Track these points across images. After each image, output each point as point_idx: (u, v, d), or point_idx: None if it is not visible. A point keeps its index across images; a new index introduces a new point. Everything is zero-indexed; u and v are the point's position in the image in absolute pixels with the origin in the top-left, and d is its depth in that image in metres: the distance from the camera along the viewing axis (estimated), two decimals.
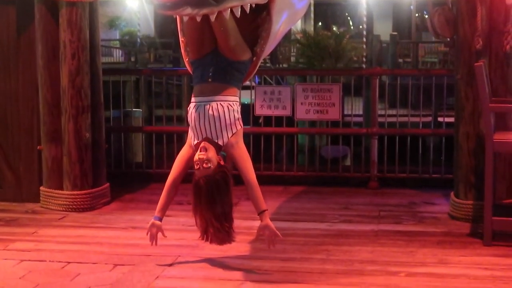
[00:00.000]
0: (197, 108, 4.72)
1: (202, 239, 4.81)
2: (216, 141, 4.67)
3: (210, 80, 4.72)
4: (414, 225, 6.19)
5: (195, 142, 4.75)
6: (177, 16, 4.61)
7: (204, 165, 4.56)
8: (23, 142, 7.00)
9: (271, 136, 8.09)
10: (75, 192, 6.67)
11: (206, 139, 4.67)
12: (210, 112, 4.65)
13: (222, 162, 4.67)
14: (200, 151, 4.60)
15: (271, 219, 6.33)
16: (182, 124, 8.77)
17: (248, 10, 4.33)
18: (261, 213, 4.83)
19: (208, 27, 4.64)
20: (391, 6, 31.39)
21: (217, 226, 4.64)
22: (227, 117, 4.67)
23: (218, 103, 4.67)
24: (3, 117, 7.02)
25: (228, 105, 4.69)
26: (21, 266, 5.06)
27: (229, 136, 4.68)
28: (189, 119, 4.80)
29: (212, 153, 4.60)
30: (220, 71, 4.71)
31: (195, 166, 4.62)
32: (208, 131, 4.68)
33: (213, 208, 4.63)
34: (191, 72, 4.97)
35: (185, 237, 5.77)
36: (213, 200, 4.61)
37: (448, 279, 4.74)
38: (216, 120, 4.65)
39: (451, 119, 6.81)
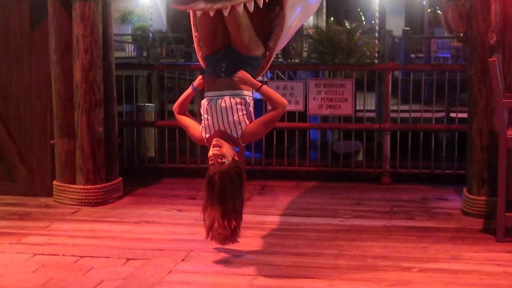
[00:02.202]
0: (209, 102, 4.72)
1: (207, 237, 4.78)
2: (230, 133, 4.66)
3: (222, 75, 4.71)
4: (427, 221, 6.17)
5: (207, 136, 4.74)
6: (190, 11, 4.61)
7: (219, 160, 4.55)
8: (36, 136, 7.02)
9: (283, 131, 8.09)
10: (88, 187, 6.69)
11: (219, 133, 4.66)
12: (223, 105, 4.64)
13: (236, 157, 4.66)
14: (214, 147, 4.58)
15: (283, 215, 6.37)
16: (195, 119, 8.78)
17: (261, 4, 4.32)
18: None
19: (221, 22, 4.63)
20: (403, 1, 31.29)
21: (223, 223, 4.60)
22: (240, 110, 4.65)
23: (231, 97, 4.67)
24: (16, 111, 7.05)
25: (241, 99, 4.67)
26: (34, 260, 5.08)
27: (243, 127, 4.66)
28: (201, 113, 4.79)
29: (226, 148, 4.58)
30: (233, 66, 4.70)
31: (210, 161, 4.61)
32: (221, 124, 4.67)
33: (223, 204, 4.60)
34: (204, 67, 4.97)
35: (198, 231, 5.76)
36: (225, 195, 4.60)
37: (461, 275, 4.73)
38: (229, 113, 4.64)
39: (464, 115, 6.79)
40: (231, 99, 4.66)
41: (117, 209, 6.64)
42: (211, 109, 4.68)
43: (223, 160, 4.55)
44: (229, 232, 4.66)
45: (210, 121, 4.71)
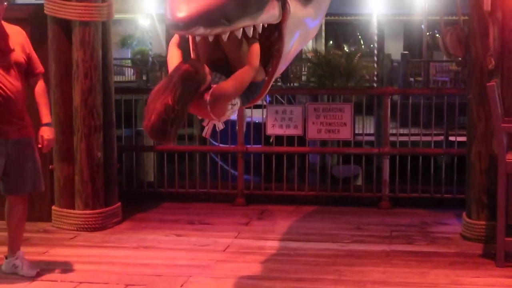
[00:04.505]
0: None
1: (147, 121, 4.13)
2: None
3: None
4: (426, 246, 6.16)
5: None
6: (190, 36, 4.62)
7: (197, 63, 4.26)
8: None
9: (282, 156, 8.09)
10: (86, 212, 6.67)
11: None
12: None
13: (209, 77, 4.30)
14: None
15: (282, 240, 6.35)
16: (194, 143, 8.78)
17: (260, 29, 4.33)
18: None
19: (220, 47, 4.63)
20: (402, 25, 31.45)
21: (172, 106, 4.08)
22: None
23: None
24: None
25: None
26: (33, 286, 5.06)
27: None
28: None
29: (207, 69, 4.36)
30: None
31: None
32: None
33: (182, 89, 4.13)
34: None
35: (197, 257, 5.77)
36: (188, 81, 4.15)
37: None
38: None
39: (463, 138, 6.79)
40: None
41: (116, 234, 6.62)
42: None
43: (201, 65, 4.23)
44: (172, 118, 4.12)
45: None
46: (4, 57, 5.02)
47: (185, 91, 4.17)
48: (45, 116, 5.27)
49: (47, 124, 5.25)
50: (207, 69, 4.28)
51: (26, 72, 5.19)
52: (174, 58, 4.61)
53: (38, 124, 5.30)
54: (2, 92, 4.95)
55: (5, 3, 5.04)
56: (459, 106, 7.72)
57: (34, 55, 5.29)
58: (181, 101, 4.15)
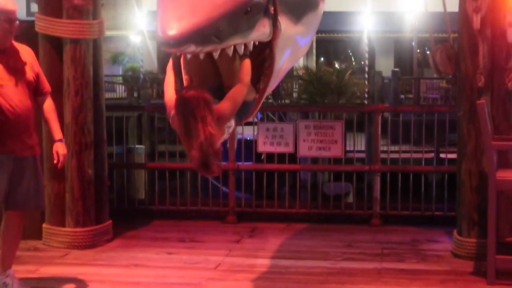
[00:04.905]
0: None
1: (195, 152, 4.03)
2: None
3: None
4: (417, 263, 6.15)
5: None
6: (181, 53, 4.62)
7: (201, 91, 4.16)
8: None
9: (273, 173, 8.08)
10: (77, 229, 6.65)
11: None
12: None
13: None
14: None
15: (273, 257, 6.33)
16: (185, 160, 8.76)
17: (251, 47, 4.34)
18: None
19: (212, 65, 4.64)
20: (392, 42, 31.58)
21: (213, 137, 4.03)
22: None
23: None
24: None
25: None
26: None
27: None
28: None
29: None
30: None
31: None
32: None
33: (208, 113, 4.07)
34: None
35: (188, 275, 5.75)
36: (207, 110, 4.08)
37: None
38: None
39: (454, 155, 6.80)
40: None
41: (107, 252, 6.59)
42: None
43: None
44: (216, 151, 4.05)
45: None
46: (15, 76, 5.05)
47: (213, 112, 4.13)
48: (57, 132, 5.32)
49: (60, 140, 5.29)
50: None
51: (35, 91, 5.23)
52: (171, 84, 4.62)
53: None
54: (12, 110, 4.97)
55: (17, 22, 5.06)
56: (449, 123, 7.74)
57: (42, 74, 5.34)
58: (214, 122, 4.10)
